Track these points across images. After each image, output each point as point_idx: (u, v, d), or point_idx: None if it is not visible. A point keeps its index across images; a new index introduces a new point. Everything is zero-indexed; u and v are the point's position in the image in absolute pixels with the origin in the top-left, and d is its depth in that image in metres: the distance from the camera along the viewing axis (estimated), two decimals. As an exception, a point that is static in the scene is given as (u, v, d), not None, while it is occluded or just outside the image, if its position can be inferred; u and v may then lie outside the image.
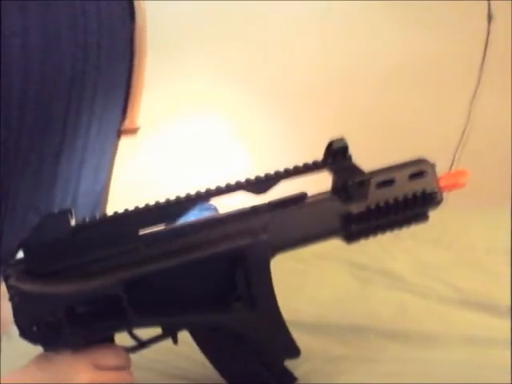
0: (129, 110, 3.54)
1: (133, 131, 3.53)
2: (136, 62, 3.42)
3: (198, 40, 3.25)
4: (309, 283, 1.20)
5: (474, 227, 1.47)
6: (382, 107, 3.16)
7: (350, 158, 0.73)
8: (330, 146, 0.73)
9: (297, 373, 0.77)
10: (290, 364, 0.76)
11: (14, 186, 3.34)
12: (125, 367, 0.73)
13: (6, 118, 3.19)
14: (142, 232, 0.71)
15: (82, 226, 0.70)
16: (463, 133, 3.10)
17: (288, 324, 0.73)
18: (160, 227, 0.72)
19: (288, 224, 0.73)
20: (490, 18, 2.92)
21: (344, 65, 3.18)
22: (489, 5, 2.89)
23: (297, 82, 3.22)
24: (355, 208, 0.73)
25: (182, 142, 3.44)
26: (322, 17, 3.16)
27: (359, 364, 0.81)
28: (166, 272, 0.70)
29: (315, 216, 0.74)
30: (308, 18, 3.18)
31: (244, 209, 0.74)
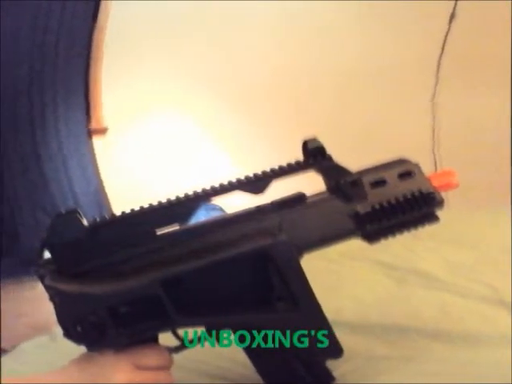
0: (91, 109, 3.62)
1: (101, 131, 3.61)
2: (93, 60, 3.51)
3: (167, 41, 3.35)
4: (345, 283, 1.21)
5: (488, 227, 1.48)
6: (344, 108, 3.28)
7: (330, 157, 0.75)
8: (305, 146, 0.76)
9: (337, 372, 0.78)
10: (330, 363, 0.77)
11: (10, 185, 3.42)
12: (165, 367, 0.74)
13: None
14: (158, 232, 0.74)
15: (96, 226, 0.72)
16: (433, 131, 3.19)
17: (331, 323, 0.73)
18: (174, 227, 0.74)
19: (301, 224, 0.75)
20: (452, 17, 3.00)
21: (307, 64, 3.29)
22: (455, 4, 2.97)
23: (262, 81, 3.33)
24: (361, 208, 0.75)
25: (152, 142, 3.56)
26: (286, 18, 3.26)
27: (401, 364, 0.82)
28: (197, 272, 0.72)
29: (325, 216, 0.76)
30: (272, 20, 3.30)
31: (250, 209, 0.77)
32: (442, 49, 3.07)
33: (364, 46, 3.18)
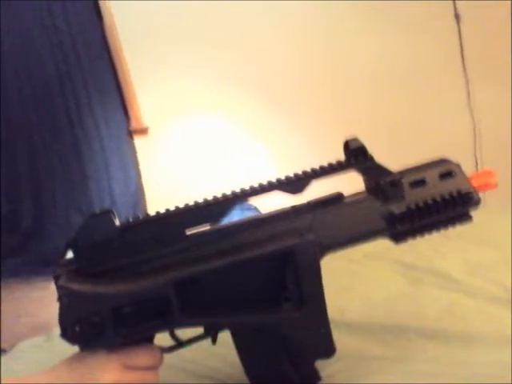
0: (129, 109, 3.75)
1: (142, 131, 3.73)
2: (115, 60, 3.65)
3: (204, 41, 3.47)
4: (359, 283, 1.24)
5: None
6: (379, 109, 3.39)
7: (371, 157, 0.77)
8: (346, 145, 0.78)
9: (326, 372, 0.79)
10: (320, 363, 0.79)
11: (47, 185, 3.51)
12: (154, 367, 0.76)
13: (6, 117, 3.35)
14: (188, 232, 0.75)
15: (128, 226, 0.74)
16: (474, 132, 3.24)
17: (332, 323, 0.75)
18: (205, 227, 0.76)
19: (332, 224, 0.78)
20: (457, 17, 3.12)
21: (334, 66, 3.45)
22: (454, 4, 3.08)
23: (299, 80, 3.46)
24: (396, 208, 0.77)
25: (192, 141, 3.66)
26: (322, 19, 3.41)
27: (393, 364, 0.84)
28: (216, 272, 0.74)
29: (358, 216, 0.78)
30: (309, 20, 3.43)
31: (285, 209, 0.79)
32: (461, 48, 3.17)
33: (384, 48, 3.31)
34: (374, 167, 0.77)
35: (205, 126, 3.67)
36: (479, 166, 3.15)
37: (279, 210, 0.78)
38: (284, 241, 0.74)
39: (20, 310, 2.52)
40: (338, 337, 0.76)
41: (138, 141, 3.75)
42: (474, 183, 0.78)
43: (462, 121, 3.26)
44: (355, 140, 0.77)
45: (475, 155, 3.22)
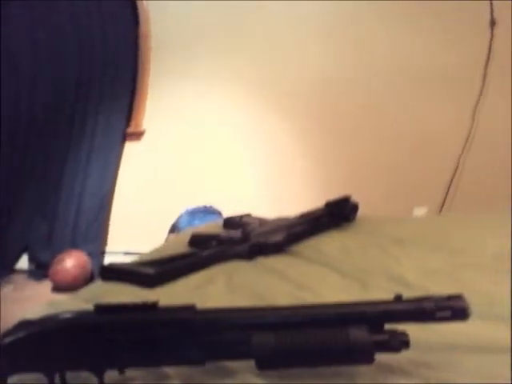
0: (134, 113, 3.87)
1: (138, 135, 3.85)
2: (140, 66, 3.78)
3: (208, 48, 3.65)
4: (308, 286, 1.23)
5: (478, 232, 1.53)
6: (389, 110, 3.51)
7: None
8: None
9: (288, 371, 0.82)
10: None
11: (23, 190, 3.47)
12: None
13: (15, 116, 3.34)
14: None
15: None
16: (468, 136, 3.28)
17: None
18: None
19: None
20: (492, 23, 3.14)
21: (351, 75, 3.56)
22: (491, 10, 3.09)
23: (300, 82, 3.59)
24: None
25: (188, 144, 3.78)
26: (339, 25, 3.55)
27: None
28: None
29: None
30: (321, 33, 3.56)
31: None
32: (488, 55, 3.22)
33: (412, 53, 3.45)
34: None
35: (203, 133, 3.79)
36: (461, 167, 3.26)
37: None
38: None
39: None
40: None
41: (131, 143, 3.87)
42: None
43: (462, 121, 3.36)
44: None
45: (459, 158, 3.30)
